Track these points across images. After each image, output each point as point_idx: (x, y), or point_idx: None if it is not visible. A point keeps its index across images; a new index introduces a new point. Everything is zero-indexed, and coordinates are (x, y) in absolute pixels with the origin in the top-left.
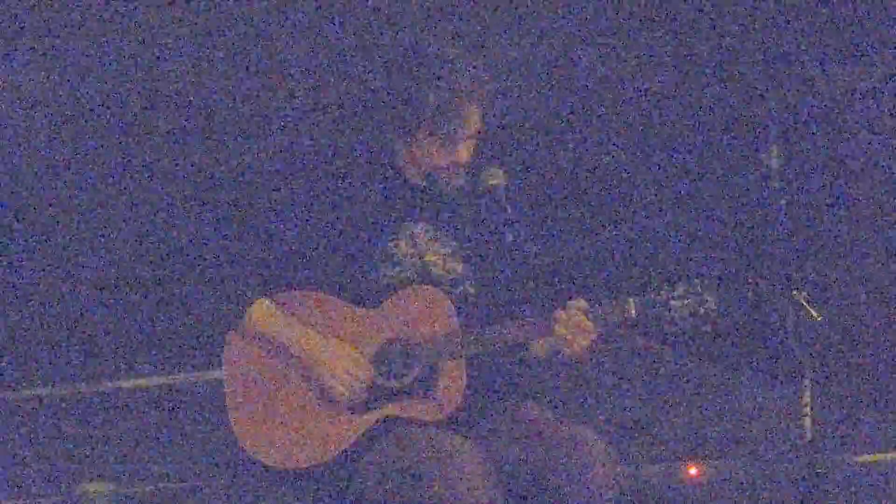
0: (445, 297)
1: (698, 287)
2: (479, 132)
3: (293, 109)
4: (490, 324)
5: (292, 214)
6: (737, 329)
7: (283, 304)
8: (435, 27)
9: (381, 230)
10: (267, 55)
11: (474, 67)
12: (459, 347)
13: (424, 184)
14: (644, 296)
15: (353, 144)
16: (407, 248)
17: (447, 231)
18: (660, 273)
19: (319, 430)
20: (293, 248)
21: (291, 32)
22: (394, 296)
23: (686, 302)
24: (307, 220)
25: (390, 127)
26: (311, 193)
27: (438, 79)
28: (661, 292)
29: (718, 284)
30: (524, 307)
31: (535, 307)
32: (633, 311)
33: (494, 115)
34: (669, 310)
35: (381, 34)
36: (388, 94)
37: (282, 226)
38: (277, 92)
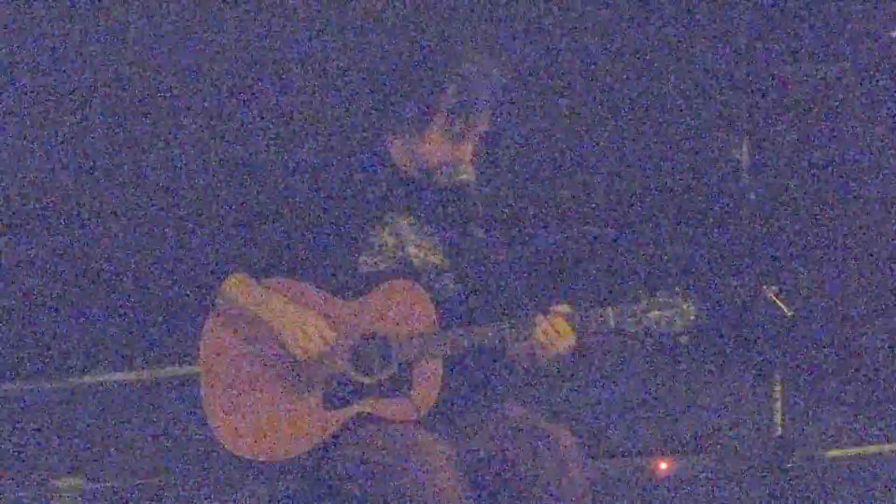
0: (426, 295)
1: (678, 297)
2: (485, 131)
3: (285, 98)
4: (469, 322)
5: (275, 201)
6: (711, 329)
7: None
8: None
9: (365, 219)
10: (267, 44)
11: (495, 68)
12: (436, 347)
13: (418, 176)
14: (623, 305)
15: (341, 132)
16: (389, 239)
17: (430, 224)
18: (634, 272)
19: (293, 423)
20: (274, 234)
21: (297, 23)
22: (375, 289)
23: (665, 313)
24: (290, 207)
25: (403, 118)
26: (296, 180)
27: (460, 76)
28: (641, 302)
29: (698, 292)
30: (504, 303)
31: (515, 304)
32: (612, 322)
33: (501, 116)
34: (648, 321)
35: (395, 30)
36: (406, 85)
37: (263, 213)
38: (270, 80)
